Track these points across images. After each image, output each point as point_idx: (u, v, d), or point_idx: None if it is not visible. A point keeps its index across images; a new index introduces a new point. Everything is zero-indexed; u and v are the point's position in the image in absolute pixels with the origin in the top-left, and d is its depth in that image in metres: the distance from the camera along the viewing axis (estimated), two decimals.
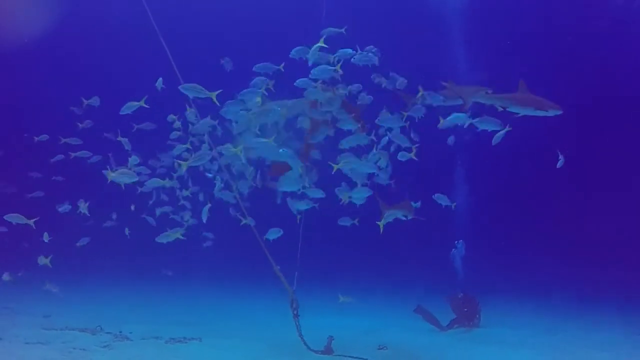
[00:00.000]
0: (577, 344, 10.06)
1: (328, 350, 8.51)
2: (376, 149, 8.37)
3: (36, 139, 10.39)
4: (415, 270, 17.26)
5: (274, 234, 8.77)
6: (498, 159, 14.36)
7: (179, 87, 7.42)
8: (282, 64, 8.22)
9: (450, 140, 10.82)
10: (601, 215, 17.83)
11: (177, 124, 9.46)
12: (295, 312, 8.54)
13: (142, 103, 8.12)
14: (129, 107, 8.11)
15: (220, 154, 8.45)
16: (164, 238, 7.92)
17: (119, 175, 7.48)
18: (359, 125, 8.28)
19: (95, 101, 9.89)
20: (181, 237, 7.98)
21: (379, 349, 9.07)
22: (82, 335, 9.08)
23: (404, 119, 8.04)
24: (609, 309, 14.01)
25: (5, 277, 10.16)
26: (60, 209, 10.19)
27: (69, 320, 10.15)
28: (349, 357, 8.28)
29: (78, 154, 10.06)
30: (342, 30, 7.97)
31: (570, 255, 17.77)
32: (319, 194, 8.38)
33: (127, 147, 9.68)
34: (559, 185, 18.14)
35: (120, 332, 9.33)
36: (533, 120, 7.95)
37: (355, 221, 9.02)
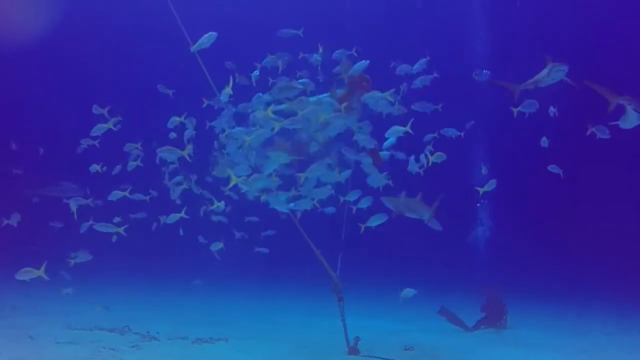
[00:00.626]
0: (602, 347, 9.99)
1: (354, 351, 8.53)
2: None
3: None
4: (435, 271, 17.24)
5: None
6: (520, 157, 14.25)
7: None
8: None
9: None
10: (624, 216, 17.62)
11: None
12: (339, 295, 8.64)
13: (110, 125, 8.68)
14: (99, 129, 8.67)
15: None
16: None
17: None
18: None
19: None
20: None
21: (405, 349, 9.08)
22: (110, 335, 9.20)
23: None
24: (633, 312, 13.90)
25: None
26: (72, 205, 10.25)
27: (93, 320, 10.28)
28: (376, 357, 8.30)
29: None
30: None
31: (592, 256, 17.60)
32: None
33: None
34: (583, 184, 18.02)
35: (148, 332, 9.43)
36: None
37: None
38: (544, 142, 9.04)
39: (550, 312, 14.04)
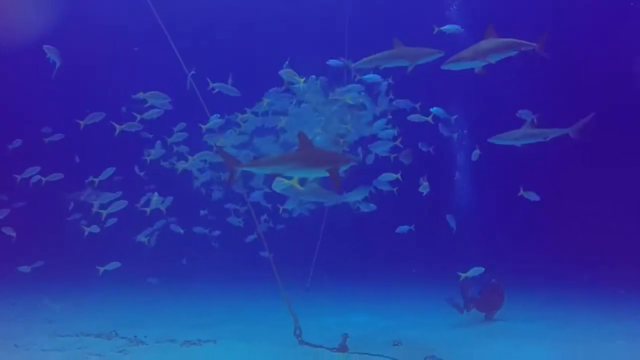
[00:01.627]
0: (590, 335, 10.07)
1: (343, 348, 8.53)
2: None
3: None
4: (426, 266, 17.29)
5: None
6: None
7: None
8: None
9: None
10: (611, 208, 17.73)
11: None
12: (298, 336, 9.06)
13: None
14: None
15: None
16: None
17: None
18: None
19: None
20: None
21: (393, 345, 9.08)
22: (97, 340, 9.11)
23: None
24: (621, 300, 14.03)
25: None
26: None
27: (79, 325, 10.19)
28: (364, 354, 8.29)
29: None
30: None
31: (579, 247, 17.72)
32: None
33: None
34: (569, 176, 18.16)
35: (135, 336, 9.36)
36: None
37: (412, 227, 9.20)
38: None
39: (539, 302, 14.12)
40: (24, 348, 8.40)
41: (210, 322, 11.22)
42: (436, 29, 8.89)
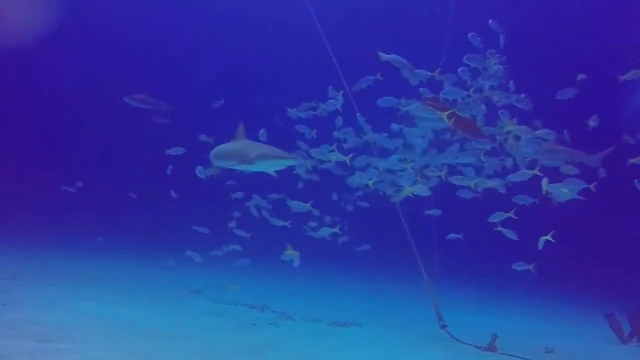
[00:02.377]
0: None
1: (492, 348, 8.26)
2: None
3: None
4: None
5: None
6: None
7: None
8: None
9: None
10: None
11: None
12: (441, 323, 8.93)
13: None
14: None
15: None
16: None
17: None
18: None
19: None
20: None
21: (546, 351, 8.62)
22: (251, 311, 9.69)
23: None
24: None
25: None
26: None
27: (235, 295, 10.83)
28: (515, 356, 7.96)
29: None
30: None
31: None
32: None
33: None
34: None
35: (285, 312, 9.81)
36: None
37: (532, 267, 8.74)
38: None
39: None
40: (187, 309, 9.16)
41: (351, 307, 11.40)
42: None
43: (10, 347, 5.42)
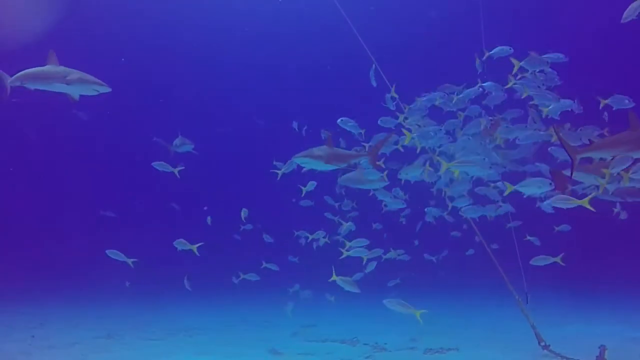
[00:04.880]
0: None
1: None
2: None
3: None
4: None
5: None
6: None
7: None
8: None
9: None
10: None
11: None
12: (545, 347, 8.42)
13: None
14: None
15: None
16: None
17: None
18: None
19: None
20: None
21: None
22: (342, 346, 9.57)
23: None
24: None
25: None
26: None
27: (323, 331, 10.78)
28: None
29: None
30: None
31: None
32: None
33: None
34: None
35: (377, 343, 9.63)
36: None
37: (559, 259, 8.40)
38: None
39: None
40: (283, 354, 9.15)
41: (446, 331, 11.01)
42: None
43: None
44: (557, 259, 8.50)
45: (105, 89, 7.42)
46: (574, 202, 6.58)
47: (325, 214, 11.69)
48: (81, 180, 21.79)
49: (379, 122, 8.58)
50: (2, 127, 18.50)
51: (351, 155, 8.41)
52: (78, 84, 7.31)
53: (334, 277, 8.08)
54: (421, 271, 14.89)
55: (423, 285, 15.65)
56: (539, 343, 8.55)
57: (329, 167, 8.06)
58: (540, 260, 8.59)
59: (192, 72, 21.49)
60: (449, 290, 16.20)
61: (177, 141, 12.22)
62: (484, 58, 8.21)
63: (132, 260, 8.60)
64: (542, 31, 17.47)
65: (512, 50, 7.93)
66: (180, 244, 9.35)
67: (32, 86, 7.43)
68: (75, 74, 7.34)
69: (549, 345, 8.47)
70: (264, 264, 11.24)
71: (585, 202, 6.50)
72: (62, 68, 7.37)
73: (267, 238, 12.65)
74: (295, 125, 11.93)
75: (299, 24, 20.70)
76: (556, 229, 10.25)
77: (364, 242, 9.03)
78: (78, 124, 18.32)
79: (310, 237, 10.65)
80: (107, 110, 17.94)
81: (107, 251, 8.58)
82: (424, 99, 8.30)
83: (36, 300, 14.74)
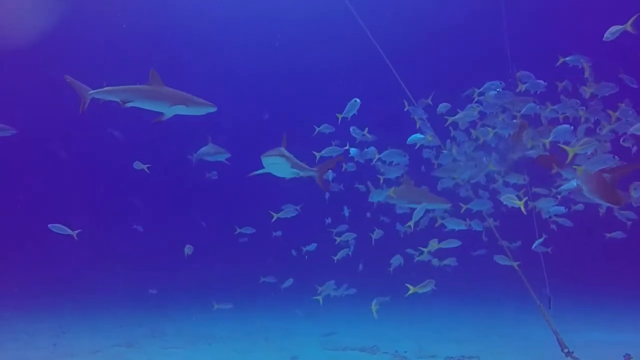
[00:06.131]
0: None
1: None
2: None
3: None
4: None
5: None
6: None
7: None
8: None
9: None
10: None
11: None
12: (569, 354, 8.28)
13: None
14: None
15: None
16: None
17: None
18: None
19: None
20: None
21: None
22: (362, 355, 9.54)
23: None
24: None
25: None
26: None
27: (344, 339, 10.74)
28: None
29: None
30: None
31: None
32: None
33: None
34: None
35: (396, 351, 9.59)
36: None
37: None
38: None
39: None
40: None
41: (468, 338, 10.92)
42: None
43: None
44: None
45: (212, 109, 7.55)
46: (516, 203, 7.11)
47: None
48: (111, 190, 22.11)
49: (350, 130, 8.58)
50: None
51: (303, 167, 8.51)
52: (192, 106, 7.45)
53: (412, 289, 7.63)
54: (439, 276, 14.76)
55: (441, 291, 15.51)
56: (562, 350, 8.44)
57: (292, 173, 8.20)
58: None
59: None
60: (468, 295, 16.10)
61: (207, 149, 10.82)
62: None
63: (76, 232, 8.04)
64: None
65: (503, 84, 8.09)
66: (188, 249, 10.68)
67: (136, 105, 7.56)
68: (183, 94, 7.50)
69: (573, 352, 8.36)
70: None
71: (521, 204, 7.08)
72: (169, 89, 7.56)
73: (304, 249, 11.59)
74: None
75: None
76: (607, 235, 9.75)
77: (456, 243, 8.65)
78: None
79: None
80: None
81: (49, 225, 8.00)
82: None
83: (56, 308, 14.85)
